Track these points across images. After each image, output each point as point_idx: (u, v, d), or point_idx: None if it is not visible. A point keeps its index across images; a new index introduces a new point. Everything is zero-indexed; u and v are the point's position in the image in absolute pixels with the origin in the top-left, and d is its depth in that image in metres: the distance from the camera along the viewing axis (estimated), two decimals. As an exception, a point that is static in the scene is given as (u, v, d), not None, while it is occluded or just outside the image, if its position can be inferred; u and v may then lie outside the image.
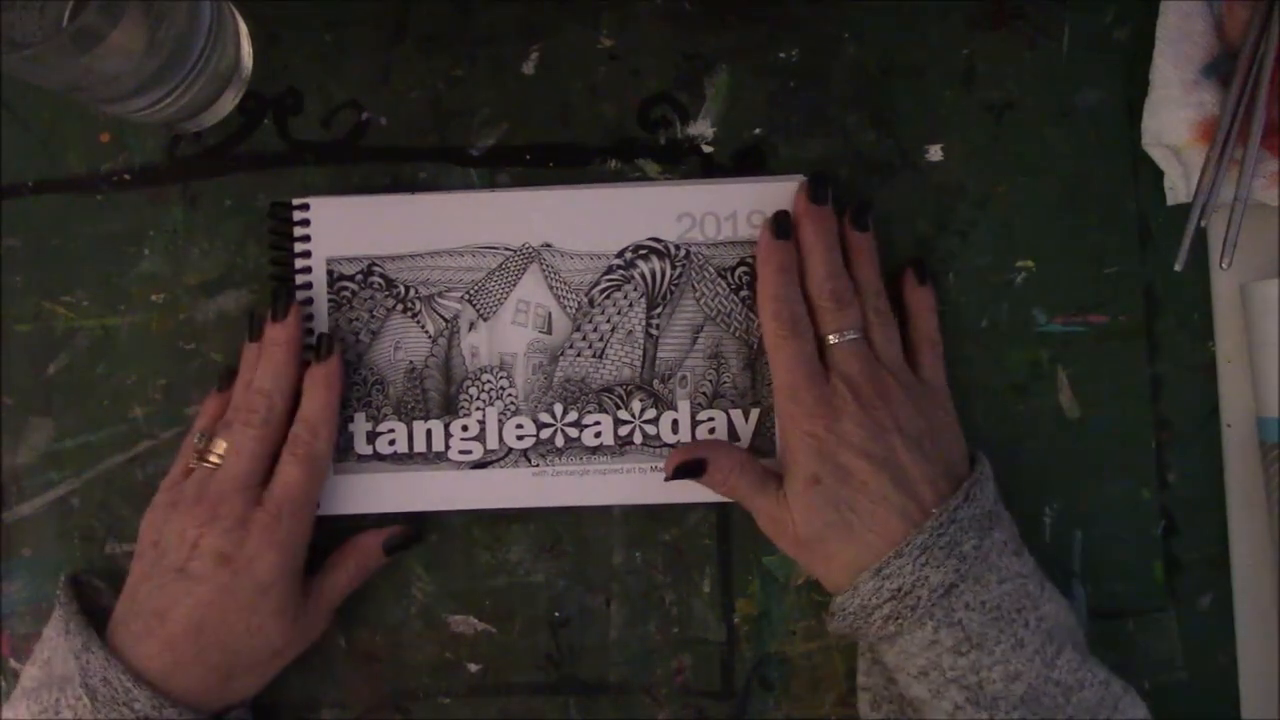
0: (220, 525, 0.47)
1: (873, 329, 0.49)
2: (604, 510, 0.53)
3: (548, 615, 0.53)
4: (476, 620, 0.53)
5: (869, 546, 0.46)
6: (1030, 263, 0.53)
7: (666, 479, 0.50)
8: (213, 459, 0.49)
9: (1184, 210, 0.51)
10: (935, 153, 0.53)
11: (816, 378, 0.48)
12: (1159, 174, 0.52)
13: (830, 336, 0.48)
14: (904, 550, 0.45)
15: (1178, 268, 0.51)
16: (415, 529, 0.52)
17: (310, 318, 0.52)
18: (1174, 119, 0.51)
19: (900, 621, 0.45)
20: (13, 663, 0.53)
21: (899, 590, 0.44)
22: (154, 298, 0.54)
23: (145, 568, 0.48)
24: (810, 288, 0.49)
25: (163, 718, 0.46)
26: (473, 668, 0.53)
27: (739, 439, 0.52)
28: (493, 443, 0.52)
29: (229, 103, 0.53)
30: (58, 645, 0.47)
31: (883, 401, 0.47)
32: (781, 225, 0.50)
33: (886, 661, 0.47)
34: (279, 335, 0.50)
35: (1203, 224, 0.51)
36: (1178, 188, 0.52)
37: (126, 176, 0.54)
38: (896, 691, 0.48)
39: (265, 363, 0.49)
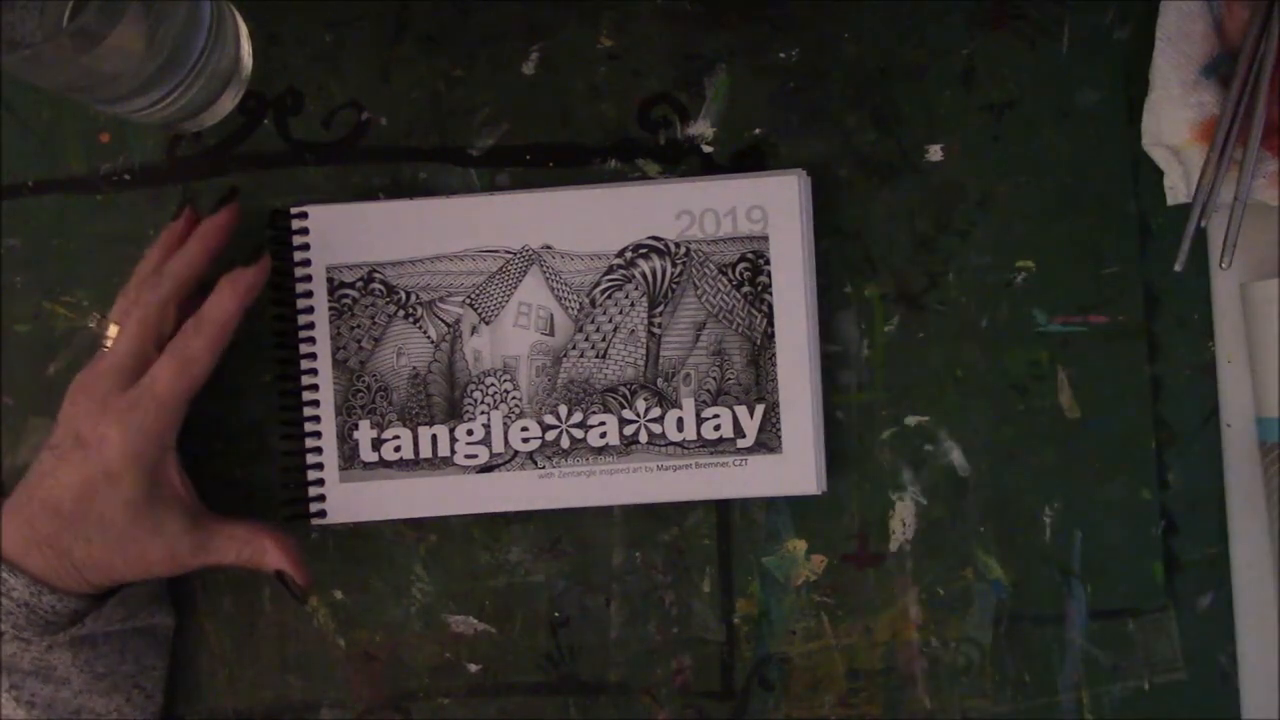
0: (83, 407, 0.47)
1: None
2: (604, 510, 0.53)
3: (548, 615, 0.53)
4: (476, 620, 0.53)
5: None
6: (1030, 263, 0.53)
7: None
8: (107, 343, 0.49)
9: (1184, 210, 0.51)
10: (935, 153, 0.53)
11: None
12: (1159, 174, 0.52)
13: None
14: None
15: (1178, 268, 0.51)
16: (305, 591, 0.51)
17: (311, 325, 0.52)
18: (1174, 119, 0.51)
19: None
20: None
21: None
22: (154, 298, 0.54)
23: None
24: None
25: (42, 604, 0.47)
26: (473, 668, 0.53)
27: (744, 435, 0.51)
28: (498, 446, 0.52)
29: (229, 103, 0.53)
30: None
31: None
32: None
33: None
34: (206, 223, 0.49)
35: (1203, 224, 0.51)
36: (1178, 188, 0.52)
37: (126, 176, 0.54)
38: None
39: (183, 250, 0.49)
